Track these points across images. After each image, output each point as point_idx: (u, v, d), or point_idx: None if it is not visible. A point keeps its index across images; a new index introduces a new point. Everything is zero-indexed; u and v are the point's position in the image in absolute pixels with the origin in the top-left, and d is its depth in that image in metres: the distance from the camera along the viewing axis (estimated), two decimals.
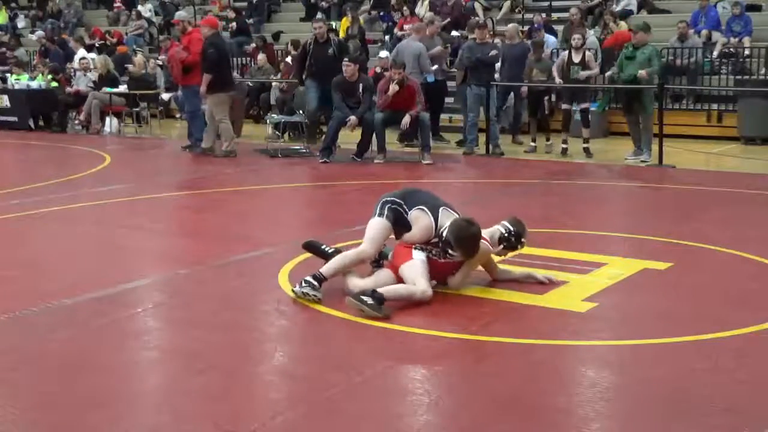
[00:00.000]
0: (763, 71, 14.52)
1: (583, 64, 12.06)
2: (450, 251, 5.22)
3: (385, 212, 5.39)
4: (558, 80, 12.20)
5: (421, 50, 13.05)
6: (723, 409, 3.62)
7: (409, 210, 5.36)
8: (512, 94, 13.69)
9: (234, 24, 20.00)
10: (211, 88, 11.93)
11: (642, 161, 11.49)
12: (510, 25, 14.35)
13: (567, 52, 12.36)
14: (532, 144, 12.78)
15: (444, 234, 5.21)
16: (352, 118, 11.61)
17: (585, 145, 12.21)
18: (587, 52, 12.36)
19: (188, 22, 13.15)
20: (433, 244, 5.30)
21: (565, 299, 5.18)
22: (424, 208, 5.34)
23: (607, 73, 12.63)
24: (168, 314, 5.15)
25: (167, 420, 3.57)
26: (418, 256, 5.26)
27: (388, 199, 5.45)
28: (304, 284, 5.14)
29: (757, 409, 3.63)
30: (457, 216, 5.35)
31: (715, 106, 14.52)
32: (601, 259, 6.14)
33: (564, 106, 12.39)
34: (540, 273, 5.56)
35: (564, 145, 12.25)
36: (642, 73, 11.34)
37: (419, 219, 5.32)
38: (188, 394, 3.84)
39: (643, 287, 5.54)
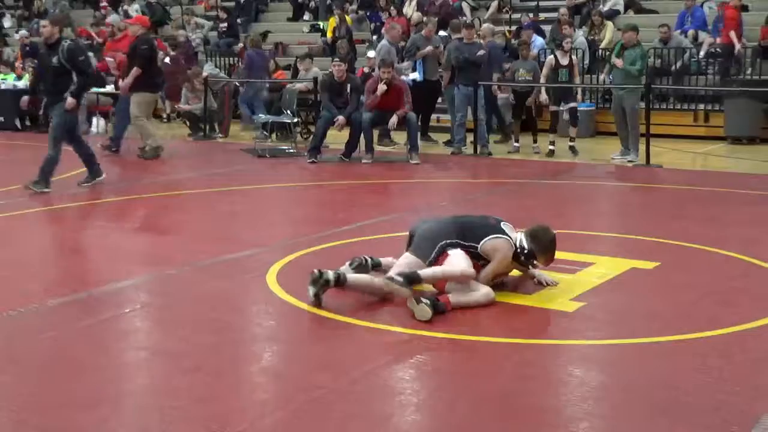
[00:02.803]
0: (749, 71, 14.59)
1: (570, 68, 12.07)
2: (534, 261, 5.34)
3: None
4: (542, 80, 12.22)
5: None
6: (711, 407, 3.64)
7: (478, 244, 5.25)
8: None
9: (223, 24, 19.93)
10: (139, 86, 11.86)
11: (629, 161, 11.52)
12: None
13: (552, 56, 12.35)
14: (516, 144, 12.83)
15: (525, 246, 5.26)
16: (340, 117, 11.62)
17: (571, 144, 12.24)
18: (573, 57, 12.36)
19: (118, 28, 13.20)
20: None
21: (553, 299, 5.19)
22: (493, 235, 5.27)
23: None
24: (155, 314, 5.13)
25: (155, 421, 3.55)
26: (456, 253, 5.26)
27: (448, 242, 5.25)
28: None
29: (745, 407, 3.64)
30: (511, 226, 5.40)
31: (701, 106, 14.57)
32: (588, 258, 6.16)
33: (552, 108, 12.39)
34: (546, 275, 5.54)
35: (551, 147, 12.26)
36: (616, 60, 11.39)
37: (498, 246, 5.23)
38: (176, 395, 3.83)
39: (631, 286, 5.55)
